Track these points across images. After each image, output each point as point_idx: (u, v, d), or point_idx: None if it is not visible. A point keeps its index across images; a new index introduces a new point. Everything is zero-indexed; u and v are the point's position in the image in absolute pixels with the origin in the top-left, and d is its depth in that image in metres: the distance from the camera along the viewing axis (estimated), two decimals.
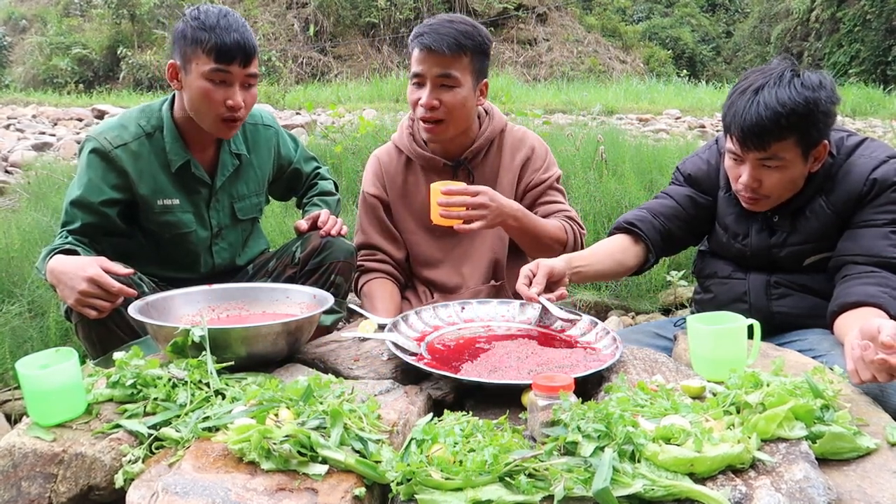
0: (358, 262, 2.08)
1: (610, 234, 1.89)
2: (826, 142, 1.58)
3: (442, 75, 1.86)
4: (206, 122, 1.82)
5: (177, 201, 1.90)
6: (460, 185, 1.75)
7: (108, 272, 1.58)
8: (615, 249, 1.81)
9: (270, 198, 2.24)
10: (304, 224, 2.00)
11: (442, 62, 1.84)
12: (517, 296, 2.12)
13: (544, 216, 2.02)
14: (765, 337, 1.42)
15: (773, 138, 1.53)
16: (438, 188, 1.75)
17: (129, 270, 1.67)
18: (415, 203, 2.08)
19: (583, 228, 2.06)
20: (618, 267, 1.80)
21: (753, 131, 1.53)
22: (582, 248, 2.01)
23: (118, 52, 16.97)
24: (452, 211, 1.74)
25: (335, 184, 2.30)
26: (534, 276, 1.60)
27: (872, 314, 1.47)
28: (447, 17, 1.93)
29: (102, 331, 1.67)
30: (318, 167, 2.28)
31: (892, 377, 1.16)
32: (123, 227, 1.88)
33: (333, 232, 1.95)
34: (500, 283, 2.08)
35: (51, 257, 1.64)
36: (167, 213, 1.90)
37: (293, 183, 2.24)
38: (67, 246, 1.72)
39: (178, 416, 1.13)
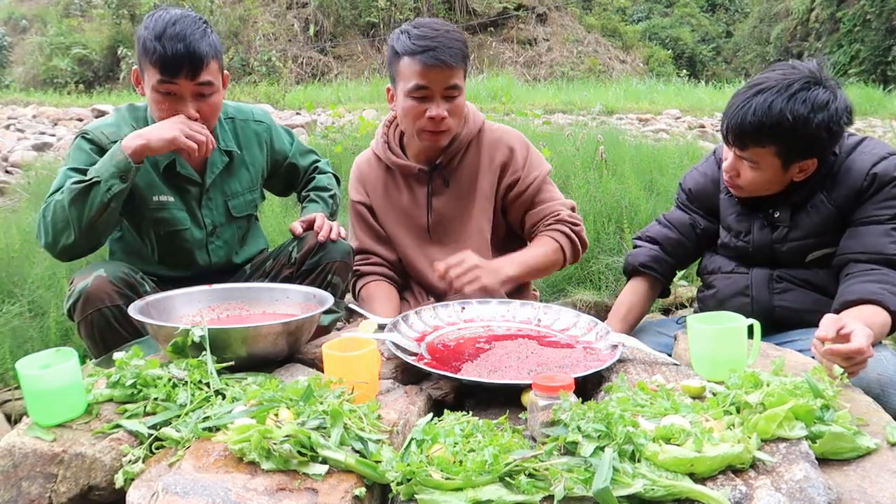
0: (354, 267, 2.07)
1: (627, 276, 2.02)
2: (816, 160, 1.60)
3: (450, 87, 1.84)
4: None
5: (171, 199, 1.90)
6: (441, 267, 1.80)
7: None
8: (644, 297, 1.96)
9: (271, 194, 2.23)
10: (299, 228, 1.98)
11: (451, 75, 1.82)
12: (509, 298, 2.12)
13: (534, 224, 2.03)
14: (765, 331, 1.43)
15: (751, 142, 1.59)
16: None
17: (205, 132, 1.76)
18: (397, 208, 2.08)
19: (577, 223, 2.02)
20: (649, 307, 2.02)
21: (735, 131, 1.59)
22: (582, 243, 2.03)
23: (118, 52, 16.95)
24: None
25: (336, 176, 2.28)
26: None
27: (872, 311, 1.49)
28: (440, 25, 1.87)
29: (106, 329, 1.67)
30: (316, 160, 2.26)
31: (851, 360, 1.25)
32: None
33: (333, 237, 1.94)
34: None
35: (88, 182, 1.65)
36: (162, 210, 1.90)
37: (291, 178, 2.23)
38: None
39: (179, 416, 1.13)
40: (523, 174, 2.03)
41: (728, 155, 1.69)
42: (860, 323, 1.31)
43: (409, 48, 1.81)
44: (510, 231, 2.12)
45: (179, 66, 1.69)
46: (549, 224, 2.00)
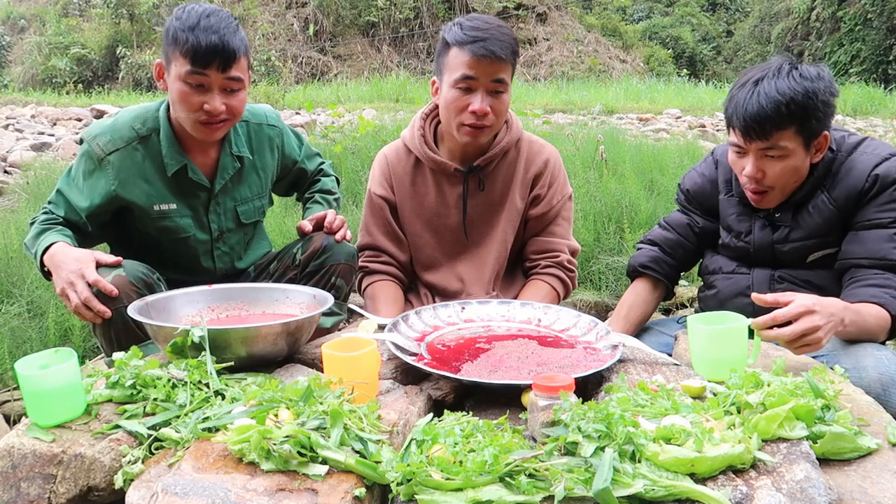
0: (362, 263, 2.05)
1: (630, 277, 2.02)
2: (826, 133, 1.61)
3: (497, 81, 1.83)
4: (187, 125, 1.79)
5: (174, 206, 1.87)
6: None
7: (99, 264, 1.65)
8: (646, 297, 1.96)
9: (273, 196, 2.22)
10: (308, 225, 1.96)
11: (499, 68, 1.81)
12: None
13: (534, 252, 2.08)
14: None
15: (774, 127, 1.56)
16: None
17: (118, 259, 1.70)
18: (423, 205, 2.05)
19: (572, 270, 2.09)
20: (653, 308, 2.01)
21: (755, 121, 1.57)
22: (573, 285, 2.11)
23: (117, 52, 16.98)
24: None
25: (338, 179, 2.28)
26: None
27: (873, 310, 1.51)
28: (492, 20, 1.87)
29: (121, 329, 1.66)
30: (322, 163, 2.25)
31: (802, 341, 1.33)
32: (97, 235, 1.91)
33: (338, 236, 1.92)
34: (495, 295, 2.05)
35: (48, 247, 1.70)
36: (164, 219, 1.87)
37: (297, 181, 2.22)
38: (63, 239, 1.73)
39: (178, 417, 1.13)
40: (549, 193, 2.05)
41: (746, 162, 1.65)
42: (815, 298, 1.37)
43: (459, 38, 1.81)
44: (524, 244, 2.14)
45: (212, 57, 1.69)
46: (547, 266, 2.06)
